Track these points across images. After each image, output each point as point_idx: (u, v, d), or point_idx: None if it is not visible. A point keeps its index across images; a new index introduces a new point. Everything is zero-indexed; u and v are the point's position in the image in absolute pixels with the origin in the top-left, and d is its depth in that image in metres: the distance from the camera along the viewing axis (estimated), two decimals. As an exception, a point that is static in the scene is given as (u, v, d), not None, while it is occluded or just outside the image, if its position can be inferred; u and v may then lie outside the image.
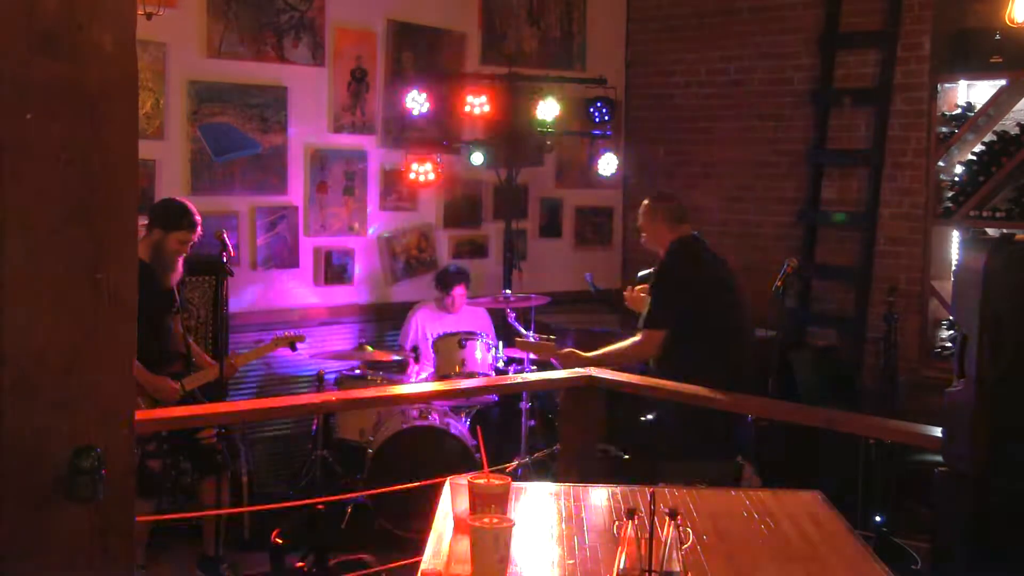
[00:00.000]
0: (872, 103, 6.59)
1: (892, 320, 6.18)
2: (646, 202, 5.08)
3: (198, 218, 4.98)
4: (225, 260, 4.86)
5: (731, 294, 4.96)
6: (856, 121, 6.72)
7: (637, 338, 4.87)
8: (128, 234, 1.94)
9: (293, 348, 5.43)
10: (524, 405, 5.97)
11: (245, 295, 6.25)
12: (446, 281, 6.56)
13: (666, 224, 4.97)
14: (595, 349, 4.99)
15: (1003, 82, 6.09)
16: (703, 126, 7.51)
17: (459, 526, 2.67)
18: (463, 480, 2.69)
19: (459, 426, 5.82)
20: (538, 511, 2.93)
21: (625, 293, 5.23)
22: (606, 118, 7.05)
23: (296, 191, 6.48)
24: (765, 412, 4.67)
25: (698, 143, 7.55)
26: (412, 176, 6.56)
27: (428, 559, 2.52)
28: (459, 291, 6.52)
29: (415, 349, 6.43)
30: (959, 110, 6.42)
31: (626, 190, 7.97)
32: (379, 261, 6.89)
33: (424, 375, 6.28)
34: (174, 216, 4.94)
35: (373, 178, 6.79)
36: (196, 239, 5.00)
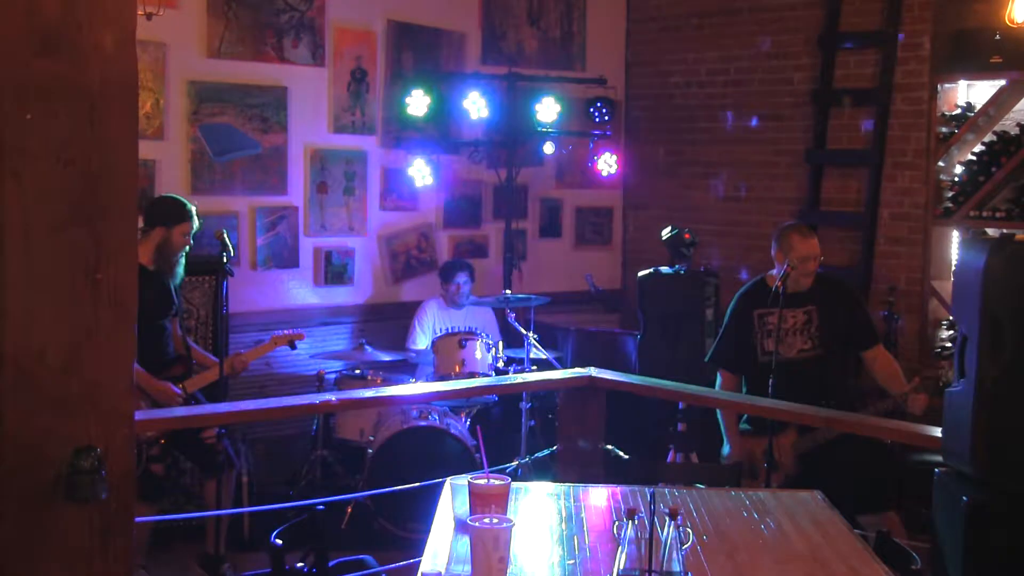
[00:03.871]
0: (872, 103, 6.58)
1: (892, 320, 6.17)
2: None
3: (193, 207, 5.01)
4: (225, 260, 4.88)
5: None
6: (856, 121, 6.72)
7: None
8: (128, 234, 1.94)
9: (293, 347, 5.43)
10: (524, 405, 5.96)
11: (245, 295, 6.25)
12: (447, 271, 6.54)
13: None
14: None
15: (1003, 82, 6.08)
16: (703, 126, 7.50)
17: (459, 526, 2.67)
18: (463, 480, 2.69)
19: (459, 426, 5.82)
20: (538, 511, 2.93)
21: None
22: (606, 118, 7.04)
23: (296, 191, 6.48)
24: (766, 413, 4.66)
25: (698, 143, 7.54)
26: (412, 176, 6.57)
27: (428, 559, 2.52)
28: (462, 278, 6.48)
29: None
30: (959, 110, 6.41)
31: (626, 190, 7.96)
32: (379, 261, 6.89)
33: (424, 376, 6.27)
34: (174, 211, 4.95)
35: (373, 178, 6.79)
36: (196, 228, 5.03)
